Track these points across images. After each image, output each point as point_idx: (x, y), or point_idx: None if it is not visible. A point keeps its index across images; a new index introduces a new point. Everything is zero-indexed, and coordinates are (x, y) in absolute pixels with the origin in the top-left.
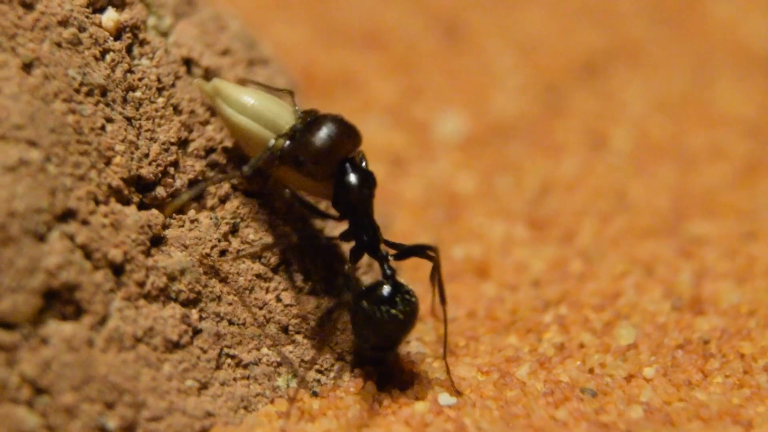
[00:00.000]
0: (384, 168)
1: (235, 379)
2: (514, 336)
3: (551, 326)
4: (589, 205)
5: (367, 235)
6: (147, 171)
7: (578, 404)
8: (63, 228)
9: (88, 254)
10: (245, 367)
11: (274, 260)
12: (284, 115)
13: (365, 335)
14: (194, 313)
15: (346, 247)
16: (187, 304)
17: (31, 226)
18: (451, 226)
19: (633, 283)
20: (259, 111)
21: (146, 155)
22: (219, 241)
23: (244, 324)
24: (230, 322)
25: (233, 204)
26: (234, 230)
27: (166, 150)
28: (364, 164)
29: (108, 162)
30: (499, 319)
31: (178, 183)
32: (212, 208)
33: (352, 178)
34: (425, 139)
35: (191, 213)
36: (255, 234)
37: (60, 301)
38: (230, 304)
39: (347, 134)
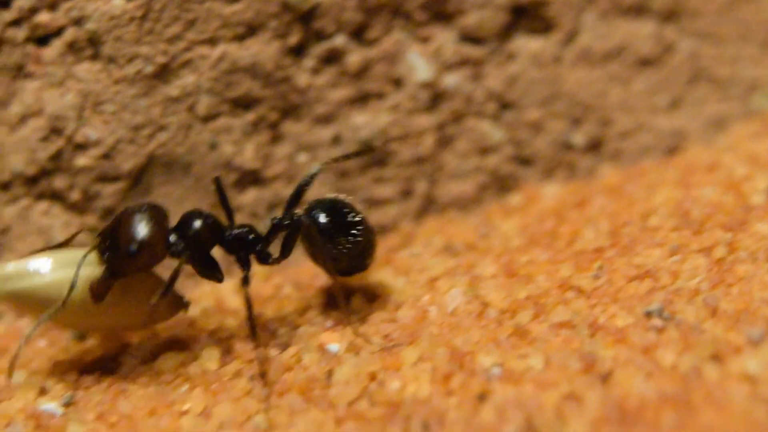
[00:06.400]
0: None
1: (708, 97)
2: None
3: None
4: None
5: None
6: None
7: None
8: None
9: None
10: (720, 85)
11: None
12: (73, 252)
13: None
14: (670, 29)
15: None
16: (664, 19)
17: None
18: None
19: None
20: (59, 258)
21: None
22: None
23: (722, 41)
24: (708, 39)
25: None
26: None
27: None
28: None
29: None
30: None
31: None
32: None
33: (198, 222)
34: None
35: None
36: None
37: (528, 16)
38: (710, 20)
39: (152, 208)
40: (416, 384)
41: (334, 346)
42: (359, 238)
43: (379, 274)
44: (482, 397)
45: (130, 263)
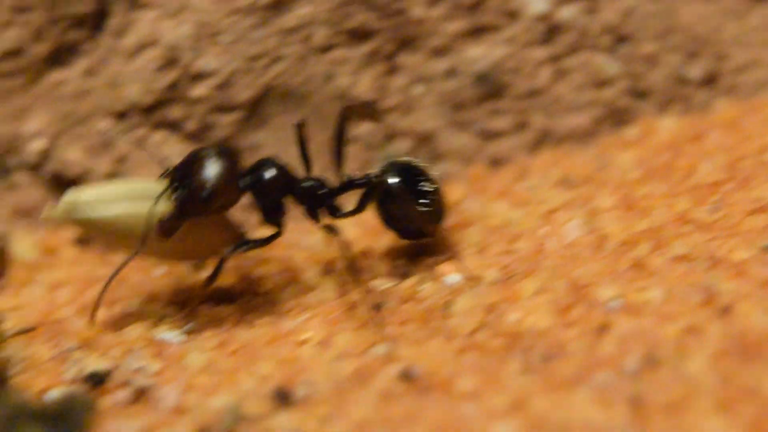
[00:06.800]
0: None
1: None
2: None
3: None
4: None
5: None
6: None
7: None
8: None
9: None
10: None
11: None
12: (151, 185)
13: None
14: None
15: None
16: None
17: None
18: None
19: None
20: (130, 190)
21: None
22: None
23: None
24: None
25: None
26: None
27: None
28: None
29: None
30: None
31: None
32: None
33: (270, 171)
34: None
35: None
36: None
37: None
38: None
39: (227, 152)
40: (535, 315)
41: (452, 277)
42: (428, 207)
43: (495, 206)
44: (602, 329)
45: (201, 208)
